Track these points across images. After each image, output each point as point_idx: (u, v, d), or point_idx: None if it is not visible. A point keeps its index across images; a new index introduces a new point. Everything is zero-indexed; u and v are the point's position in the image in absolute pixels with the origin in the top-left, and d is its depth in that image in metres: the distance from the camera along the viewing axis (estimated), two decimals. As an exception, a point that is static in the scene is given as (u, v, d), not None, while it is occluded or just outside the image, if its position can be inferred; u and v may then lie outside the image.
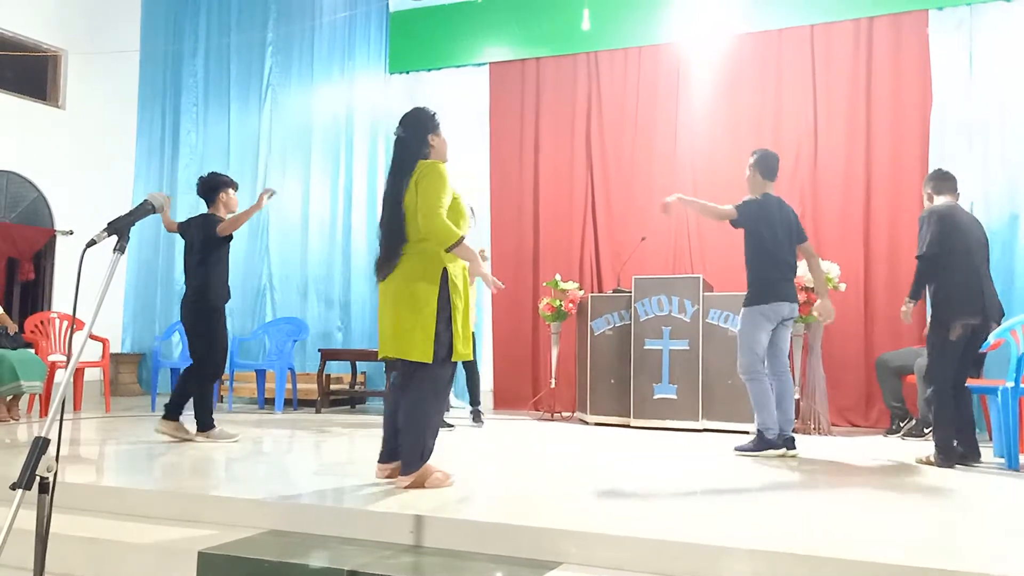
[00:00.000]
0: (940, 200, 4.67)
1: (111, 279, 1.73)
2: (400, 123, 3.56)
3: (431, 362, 3.36)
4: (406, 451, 3.46)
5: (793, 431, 5.12)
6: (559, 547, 2.69)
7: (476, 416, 6.23)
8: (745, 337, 4.77)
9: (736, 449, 4.83)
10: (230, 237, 5.13)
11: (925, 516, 3.19)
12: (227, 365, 5.14)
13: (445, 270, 3.39)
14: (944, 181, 4.72)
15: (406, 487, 3.43)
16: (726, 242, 6.93)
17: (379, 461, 3.65)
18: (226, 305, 5.19)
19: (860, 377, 6.46)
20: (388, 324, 3.41)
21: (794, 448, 4.75)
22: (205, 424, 5.01)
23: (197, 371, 4.97)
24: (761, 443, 4.74)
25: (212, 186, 5.21)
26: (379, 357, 3.55)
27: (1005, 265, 6.11)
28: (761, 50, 7.03)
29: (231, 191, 5.24)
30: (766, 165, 4.92)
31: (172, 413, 4.97)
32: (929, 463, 4.44)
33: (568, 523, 2.84)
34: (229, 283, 5.23)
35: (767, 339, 4.77)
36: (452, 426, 6.02)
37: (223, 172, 4.90)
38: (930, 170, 6.34)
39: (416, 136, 3.51)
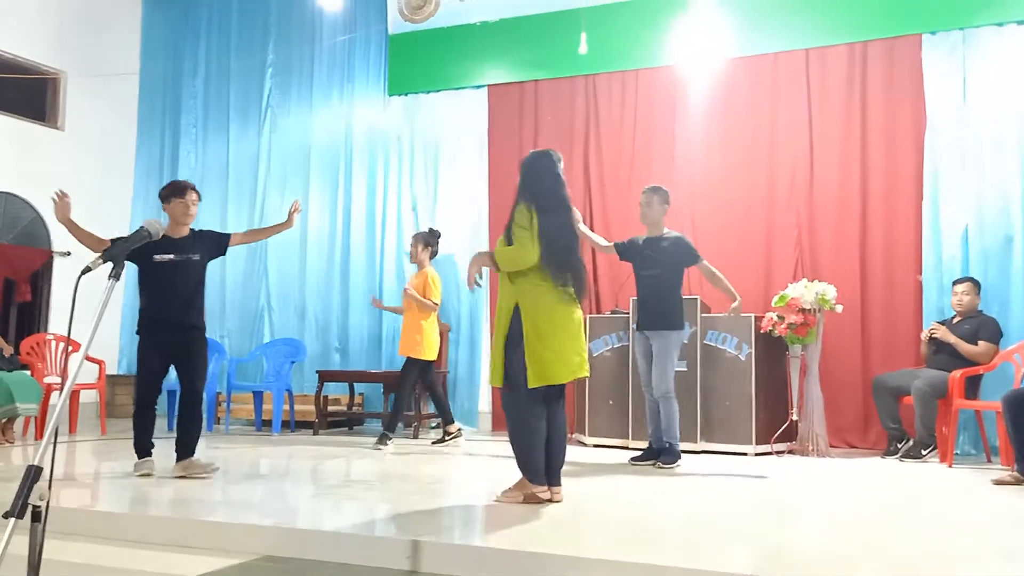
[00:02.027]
0: None
1: (106, 306, 1.73)
2: (559, 159, 4.00)
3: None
4: (563, 459, 3.84)
5: (789, 452, 5.77)
6: (556, 572, 2.68)
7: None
8: (668, 361, 5.23)
9: (663, 464, 5.14)
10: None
11: (923, 539, 3.17)
12: (156, 396, 4.69)
13: None
14: None
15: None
16: (724, 264, 6.92)
17: (553, 485, 3.78)
18: (161, 328, 4.60)
19: (858, 398, 6.44)
20: (581, 348, 3.82)
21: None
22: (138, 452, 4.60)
23: (195, 396, 4.68)
24: (677, 456, 5.17)
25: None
26: (564, 380, 3.79)
27: (1001, 287, 6.12)
28: (757, 74, 7.08)
29: (169, 201, 4.75)
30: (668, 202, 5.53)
31: (180, 452, 4.61)
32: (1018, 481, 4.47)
33: (566, 548, 2.83)
34: (165, 301, 4.62)
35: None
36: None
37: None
38: (925, 192, 6.41)
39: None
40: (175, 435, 4.65)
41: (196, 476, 4.51)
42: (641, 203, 5.52)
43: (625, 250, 5.62)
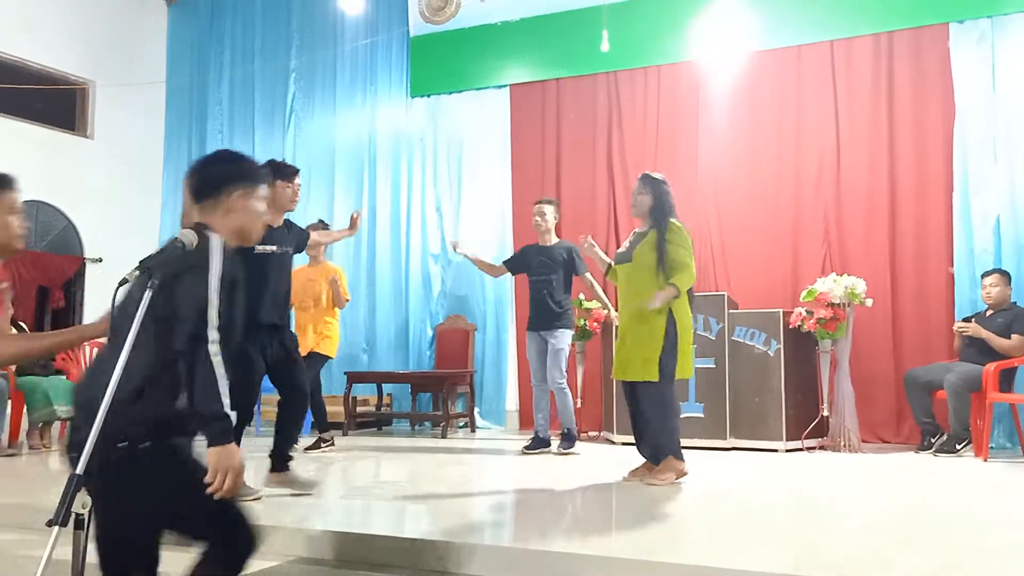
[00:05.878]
0: None
1: (143, 317, 1.76)
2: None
3: None
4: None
5: (820, 448, 5.87)
6: (587, 572, 2.68)
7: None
8: (566, 355, 5.70)
9: (560, 448, 5.69)
10: None
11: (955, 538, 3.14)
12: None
13: None
14: None
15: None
16: (751, 259, 6.91)
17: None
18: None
19: (890, 393, 6.37)
20: (634, 350, 4.56)
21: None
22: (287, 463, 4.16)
23: (305, 398, 4.32)
24: (572, 441, 5.73)
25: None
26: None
27: (1034, 278, 6.03)
28: (781, 67, 7.01)
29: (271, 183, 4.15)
30: None
31: (284, 462, 4.12)
32: None
33: (596, 548, 2.83)
34: (263, 299, 4.15)
35: None
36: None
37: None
38: (955, 183, 6.32)
39: None
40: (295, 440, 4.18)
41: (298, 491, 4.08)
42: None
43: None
